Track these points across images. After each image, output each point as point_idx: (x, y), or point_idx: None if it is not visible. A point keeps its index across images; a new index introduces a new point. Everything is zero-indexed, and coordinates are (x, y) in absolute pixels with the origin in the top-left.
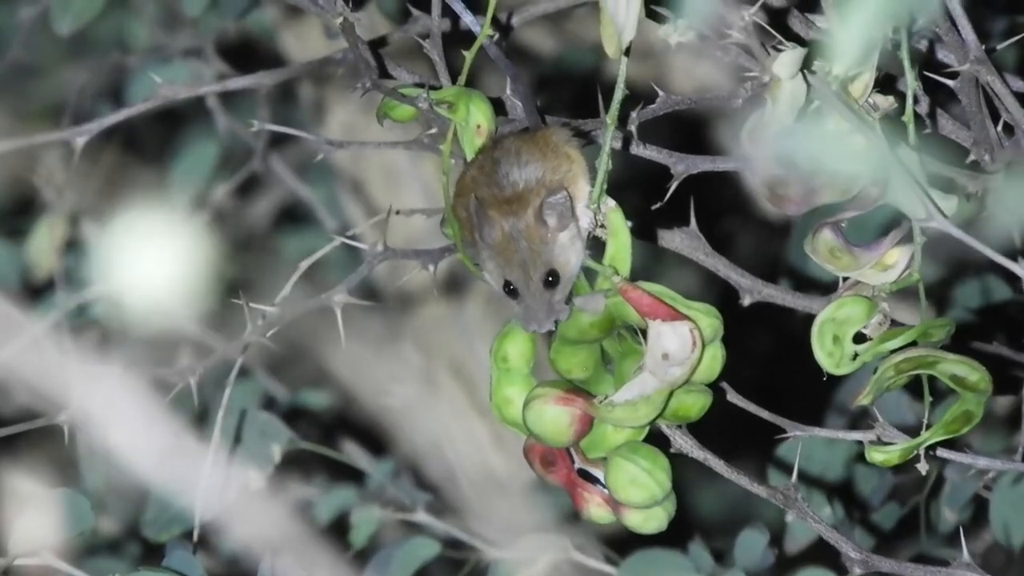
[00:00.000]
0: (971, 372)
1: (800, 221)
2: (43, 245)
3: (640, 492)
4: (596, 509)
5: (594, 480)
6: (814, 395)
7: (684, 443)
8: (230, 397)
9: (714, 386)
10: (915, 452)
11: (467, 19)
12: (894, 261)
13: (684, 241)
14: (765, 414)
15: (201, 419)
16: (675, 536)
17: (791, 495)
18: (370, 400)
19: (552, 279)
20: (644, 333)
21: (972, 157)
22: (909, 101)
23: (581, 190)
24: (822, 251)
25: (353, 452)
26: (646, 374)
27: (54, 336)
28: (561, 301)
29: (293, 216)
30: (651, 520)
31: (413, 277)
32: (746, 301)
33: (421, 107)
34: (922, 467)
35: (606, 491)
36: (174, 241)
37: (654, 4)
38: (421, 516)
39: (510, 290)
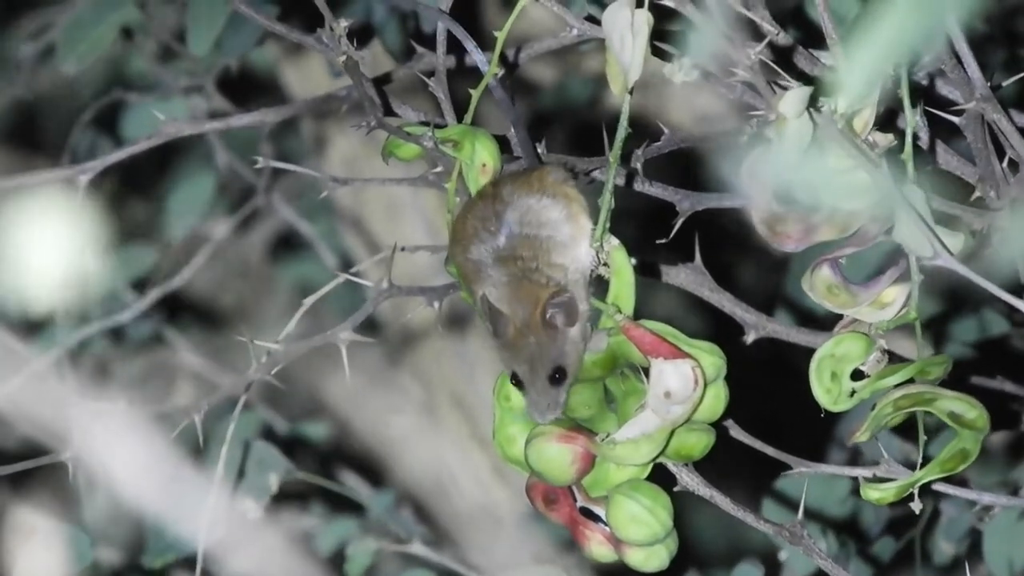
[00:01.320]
0: (969, 409)
1: (798, 254)
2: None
3: (641, 530)
4: (598, 547)
5: (596, 518)
6: (811, 429)
7: (690, 480)
8: (227, 427)
9: (717, 425)
10: (910, 491)
11: (477, 58)
12: (892, 299)
13: (689, 277)
14: (770, 450)
15: (197, 449)
16: (670, 569)
17: (797, 532)
18: (369, 431)
19: (558, 376)
20: (647, 371)
21: (977, 194)
22: (908, 138)
23: (583, 228)
24: (820, 288)
25: (351, 483)
26: (648, 412)
27: (55, 369)
28: (563, 394)
29: (289, 245)
30: (653, 558)
31: (414, 310)
32: (751, 337)
33: (426, 145)
34: (915, 506)
35: (608, 529)
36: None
37: (659, 41)
38: (417, 548)
39: (516, 382)
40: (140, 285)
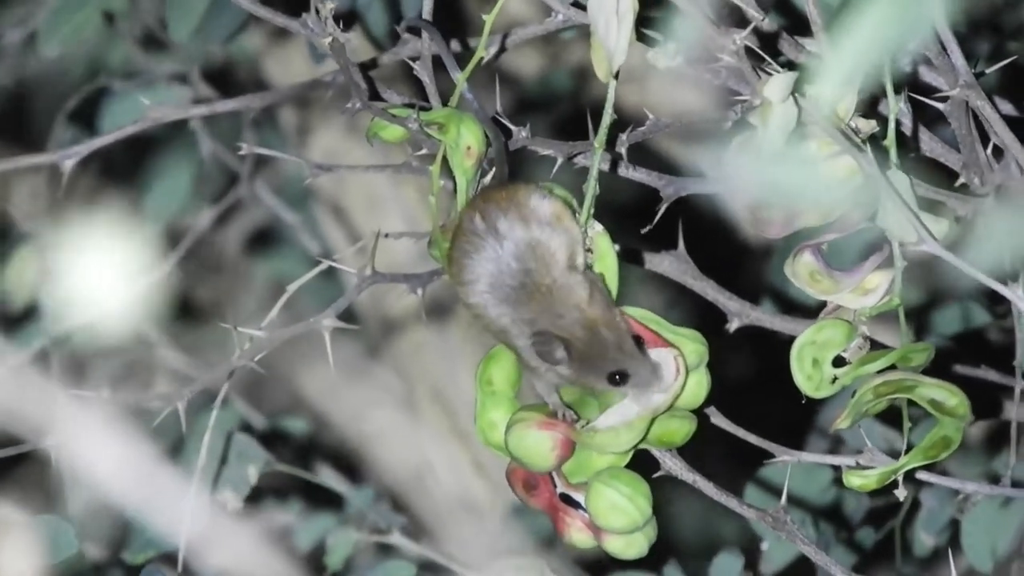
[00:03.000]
0: (950, 397)
1: (782, 243)
2: (21, 274)
3: (621, 518)
4: (578, 534)
5: (576, 505)
6: (795, 418)
7: (673, 465)
8: (205, 422)
9: (699, 412)
10: (893, 477)
11: (454, 75)
12: (875, 285)
13: (672, 264)
14: (753, 438)
15: (176, 443)
16: (650, 560)
17: (781, 518)
18: (348, 425)
19: (637, 339)
20: None
21: (961, 180)
22: (891, 124)
23: (572, 231)
24: (802, 274)
25: (330, 477)
26: (628, 401)
27: (36, 363)
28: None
29: (264, 239)
30: (632, 546)
31: (392, 302)
32: (734, 325)
33: (411, 127)
34: (900, 493)
35: (588, 516)
36: (148, 267)
37: (644, 28)
38: (396, 539)
39: (618, 379)
40: None
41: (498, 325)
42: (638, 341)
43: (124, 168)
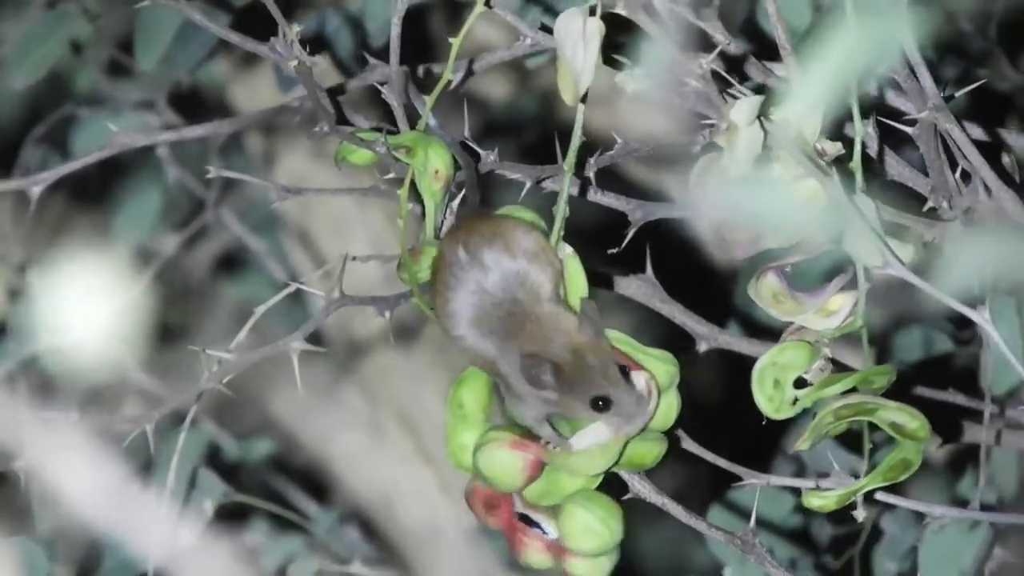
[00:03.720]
0: (910, 420)
1: (747, 266)
2: None
3: (593, 541)
4: (535, 555)
5: (534, 525)
6: (762, 441)
7: (642, 488)
8: (173, 446)
9: (669, 433)
10: (852, 499)
11: (434, 126)
12: (838, 307)
13: (640, 288)
14: (722, 462)
15: (145, 466)
16: None
17: (749, 540)
18: (314, 447)
19: (624, 368)
20: None
21: (930, 204)
22: (857, 147)
23: (555, 264)
24: (766, 295)
25: (297, 499)
26: (601, 424)
27: (5, 385)
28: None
29: (232, 263)
30: (596, 569)
31: (360, 325)
32: (702, 348)
33: (379, 151)
34: (859, 514)
35: (546, 536)
36: (116, 290)
37: (612, 52)
38: (358, 568)
39: (603, 403)
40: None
41: (484, 356)
42: (624, 371)
43: (93, 193)
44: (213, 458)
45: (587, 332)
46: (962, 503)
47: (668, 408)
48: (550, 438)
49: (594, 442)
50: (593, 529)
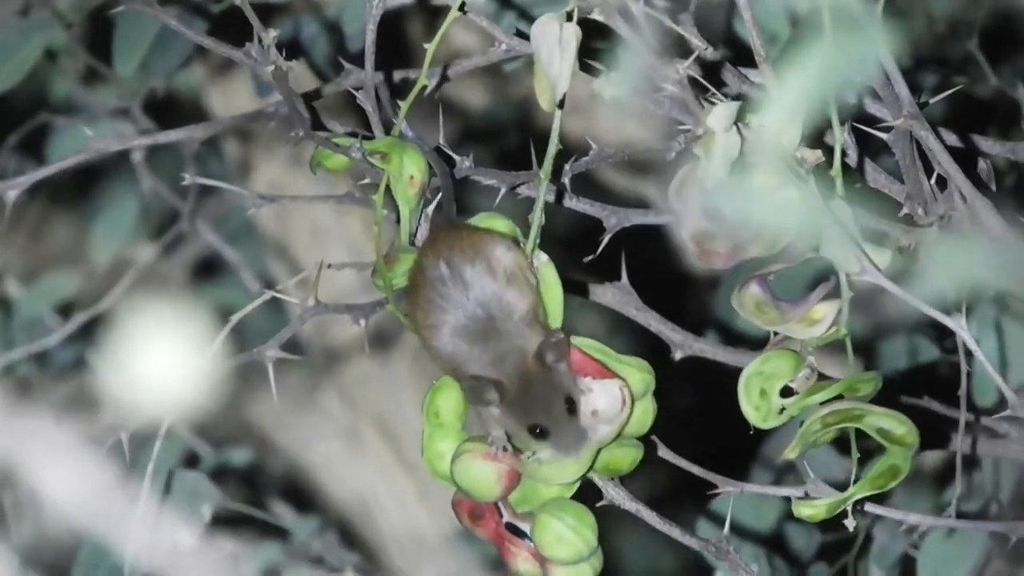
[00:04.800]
0: (898, 426)
1: (728, 275)
2: None
3: (566, 549)
4: (524, 564)
5: (522, 534)
6: (743, 449)
7: (616, 495)
8: (151, 454)
9: (646, 439)
10: (842, 508)
11: (408, 134)
12: (821, 316)
13: (615, 296)
14: (696, 469)
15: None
16: None
17: (723, 547)
18: (293, 455)
19: (571, 406)
20: None
21: (905, 211)
22: (837, 154)
23: (532, 283)
24: (748, 305)
25: (276, 508)
26: (541, 455)
27: None
28: (579, 420)
29: (211, 271)
30: None
31: (339, 334)
32: (677, 356)
33: (354, 157)
34: (849, 523)
35: (533, 546)
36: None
37: (589, 59)
38: None
39: (540, 432)
40: (65, 311)
41: (458, 367)
42: (571, 406)
43: (71, 203)
44: (192, 468)
45: (547, 358)
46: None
47: (644, 414)
48: (497, 440)
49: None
50: (565, 538)
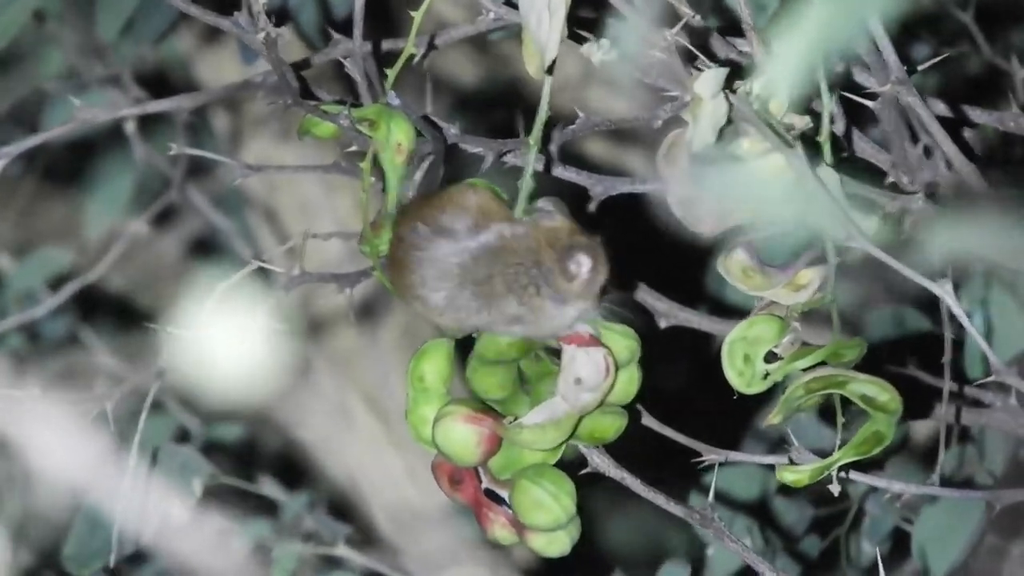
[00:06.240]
0: (881, 392)
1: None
2: None
3: (544, 516)
4: (500, 530)
5: (500, 501)
6: (739, 422)
7: (601, 462)
8: (145, 430)
9: (631, 407)
10: (827, 473)
11: (395, 102)
12: (807, 281)
13: None
14: (681, 438)
15: (121, 452)
16: (596, 569)
17: (708, 515)
18: (284, 432)
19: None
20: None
21: (891, 179)
22: (825, 120)
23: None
24: (735, 271)
25: (269, 485)
26: (557, 398)
27: None
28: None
29: (206, 248)
30: (554, 544)
31: (327, 309)
32: (662, 324)
33: (342, 124)
34: (834, 488)
35: (511, 512)
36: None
37: (578, 28)
38: (342, 550)
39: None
40: (58, 285)
41: (475, 316)
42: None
43: (66, 173)
44: (183, 443)
45: (558, 219)
46: (948, 482)
47: (629, 382)
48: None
49: (547, 418)
50: (544, 503)
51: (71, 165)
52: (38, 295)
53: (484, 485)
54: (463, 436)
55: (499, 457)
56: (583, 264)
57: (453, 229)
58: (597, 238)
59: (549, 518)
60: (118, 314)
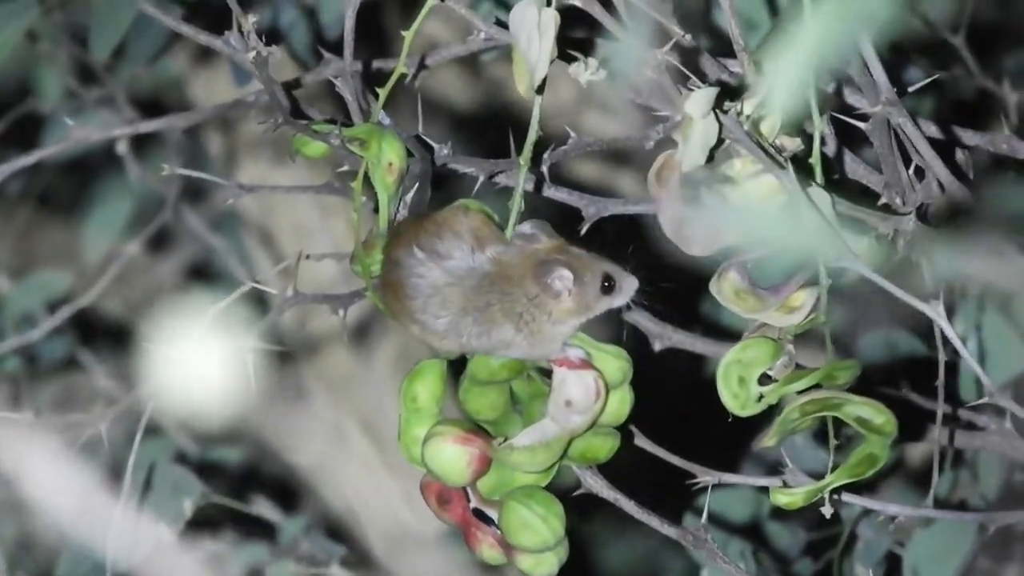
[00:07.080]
0: (876, 414)
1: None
2: None
3: (532, 537)
4: (488, 550)
5: (489, 520)
6: (734, 444)
7: (595, 483)
8: (142, 453)
9: (623, 429)
10: (820, 496)
11: (386, 121)
12: (800, 303)
13: None
14: (675, 460)
15: (116, 475)
16: None
17: (701, 537)
18: (279, 455)
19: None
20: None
21: (883, 200)
22: (816, 142)
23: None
24: (727, 292)
25: (264, 509)
26: (547, 420)
27: None
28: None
29: (202, 273)
30: (542, 565)
31: (322, 332)
32: (657, 346)
33: (333, 143)
34: (826, 510)
35: (500, 532)
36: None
37: (567, 47)
38: (336, 572)
39: (607, 286)
40: (56, 308)
41: (469, 338)
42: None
43: (63, 197)
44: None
45: (543, 241)
46: (941, 505)
47: (620, 403)
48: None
49: (537, 440)
50: (532, 525)
51: (69, 188)
52: (36, 318)
53: (473, 505)
54: (453, 456)
55: (490, 478)
56: (564, 278)
57: (450, 255)
58: (580, 249)
59: (537, 539)
60: (115, 336)
